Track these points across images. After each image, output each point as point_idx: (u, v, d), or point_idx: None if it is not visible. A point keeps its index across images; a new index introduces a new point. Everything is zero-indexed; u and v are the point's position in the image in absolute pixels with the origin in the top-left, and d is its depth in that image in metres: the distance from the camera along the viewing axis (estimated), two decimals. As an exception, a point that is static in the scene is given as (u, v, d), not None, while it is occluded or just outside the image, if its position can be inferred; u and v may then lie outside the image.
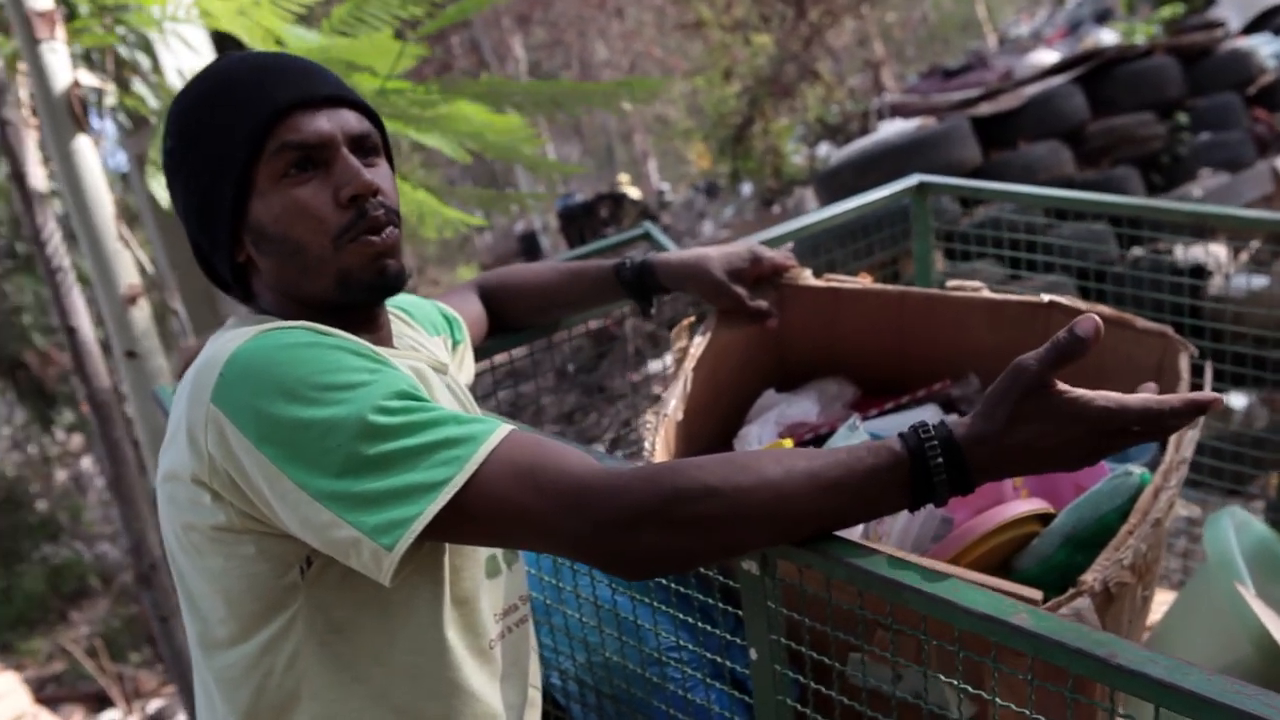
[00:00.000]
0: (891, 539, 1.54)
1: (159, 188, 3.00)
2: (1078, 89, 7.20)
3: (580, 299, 1.96)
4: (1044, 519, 1.57)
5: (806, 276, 1.94)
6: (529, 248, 19.19)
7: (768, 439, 1.85)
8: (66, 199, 3.13)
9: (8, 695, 5.78)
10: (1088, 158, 7.10)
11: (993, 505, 1.55)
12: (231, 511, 1.18)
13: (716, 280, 1.83)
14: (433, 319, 1.68)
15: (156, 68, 4.04)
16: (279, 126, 1.26)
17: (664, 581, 1.54)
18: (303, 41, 3.46)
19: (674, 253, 1.89)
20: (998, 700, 1.10)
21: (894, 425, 1.86)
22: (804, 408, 1.92)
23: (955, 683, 1.13)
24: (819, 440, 1.82)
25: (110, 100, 3.78)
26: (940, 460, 1.10)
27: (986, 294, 1.88)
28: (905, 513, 1.21)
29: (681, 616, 1.52)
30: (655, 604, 1.52)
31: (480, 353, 1.92)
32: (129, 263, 3.13)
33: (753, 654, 1.32)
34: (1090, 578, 1.31)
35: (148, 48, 3.99)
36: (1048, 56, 9.48)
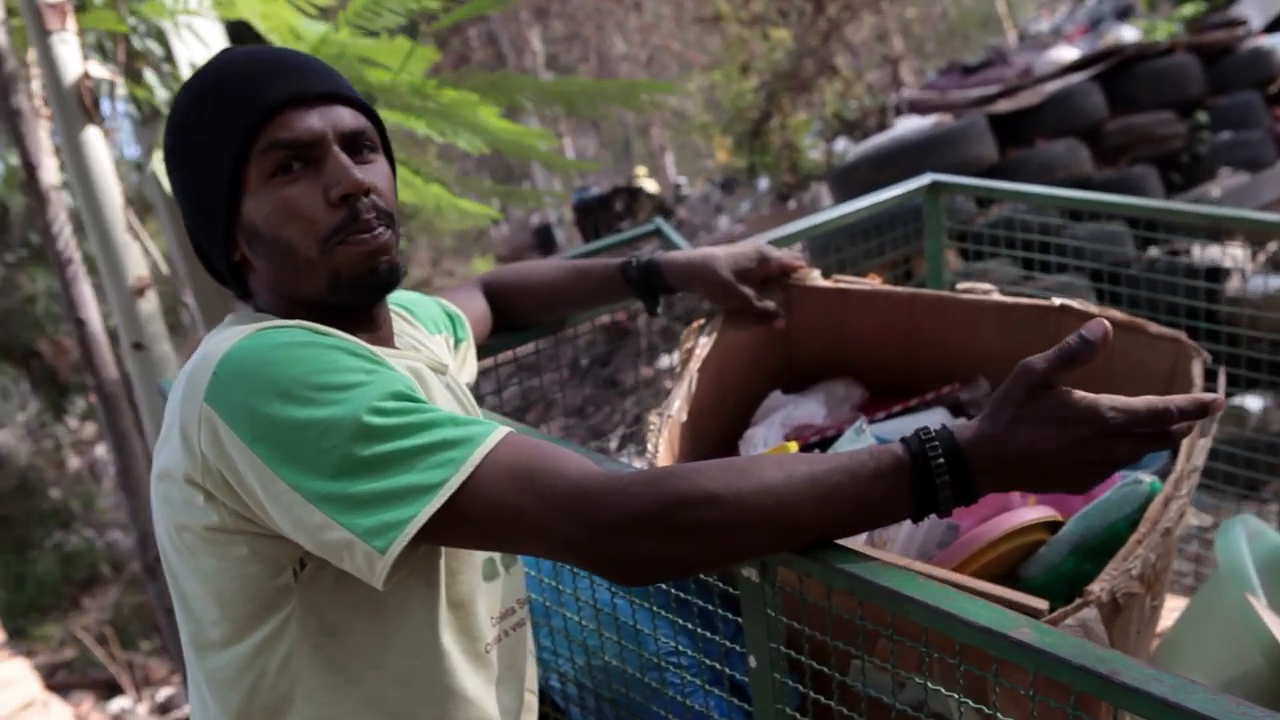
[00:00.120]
0: (896, 545, 1.52)
1: (167, 180, 2.99)
2: (1097, 87, 7.15)
3: (586, 298, 1.94)
4: (1052, 527, 1.55)
5: (815, 277, 1.92)
6: (544, 240, 19.21)
7: (773, 441, 1.83)
8: (76, 190, 3.12)
9: (18, 682, 5.80)
10: (1106, 156, 7.05)
11: (1000, 512, 1.53)
12: (224, 512, 1.17)
13: (723, 280, 1.81)
14: (435, 317, 1.67)
15: (169, 58, 4.04)
16: (269, 125, 1.24)
17: (664, 586, 1.52)
18: (318, 35, 3.46)
19: (681, 252, 1.87)
20: (999, 716, 1.08)
21: (901, 428, 1.84)
22: (811, 409, 1.90)
23: (956, 696, 1.11)
24: (825, 443, 1.80)
25: (121, 91, 3.77)
26: (942, 461, 1.08)
27: (997, 297, 1.86)
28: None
29: (681, 622, 1.50)
30: (655, 609, 1.50)
31: (485, 350, 1.90)
32: (137, 255, 3.13)
33: (752, 662, 1.30)
34: (1097, 588, 1.29)
35: (161, 37, 3.99)
36: (1068, 53, 9.42)
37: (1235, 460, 2.64)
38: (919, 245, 2.86)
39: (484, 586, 1.36)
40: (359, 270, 1.27)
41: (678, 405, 1.70)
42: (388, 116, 3.79)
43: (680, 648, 1.50)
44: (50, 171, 3.19)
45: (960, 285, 1.90)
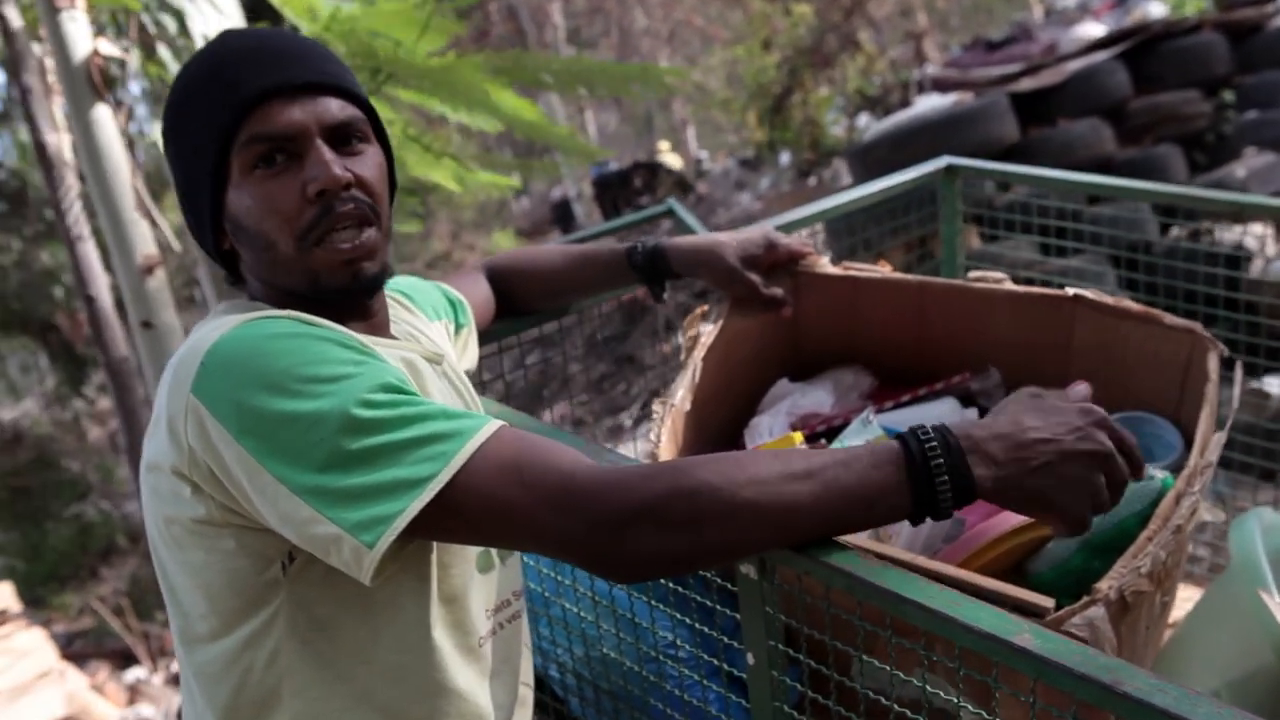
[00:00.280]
0: (901, 540, 1.50)
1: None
2: (1121, 65, 7.06)
3: (591, 283, 1.92)
4: (1060, 522, 1.52)
5: (823, 264, 1.89)
6: (562, 215, 19.18)
7: (779, 430, 1.81)
8: (85, 168, 3.10)
9: (35, 651, 5.85)
10: (1129, 136, 6.97)
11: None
12: (212, 505, 1.15)
13: (729, 267, 1.78)
14: (435, 303, 1.64)
15: (184, 32, 4.01)
16: (251, 117, 1.22)
17: (663, 580, 1.50)
18: (329, 11, 3.43)
19: (687, 238, 1.84)
20: (999, 721, 1.06)
21: (910, 418, 1.81)
22: (818, 398, 1.88)
23: (956, 700, 1.09)
24: (831, 432, 1.77)
25: (134, 68, 3.76)
26: (935, 445, 1.08)
27: (1009, 285, 1.82)
28: None
29: (679, 616, 1.48)
30: (653, 602, 1.48)
31: (489, 335, 1.88)
32: (146, 233, 3.12)
33: (750, 659, 1.28)
34: (1106, 586, 1.26)
35: (175, 11, 3.97)
36: (1094, 29, 9.30)
37: (1253, 449, 2.60)
38: (936, 227, 2.82)
39: (478, 579, 1.34)
40: (338, 277, 1.25)
41: (681, 394, 1.68)
42: (406, 98, 3.77)
43: (679, 641, 1.49)
44: (61, 148, 3.18)
45: (972, 274, 1.87)
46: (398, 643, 1.24)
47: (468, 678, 1.30)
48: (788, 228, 2.42)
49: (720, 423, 1.87)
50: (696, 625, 1.45)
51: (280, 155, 1.23)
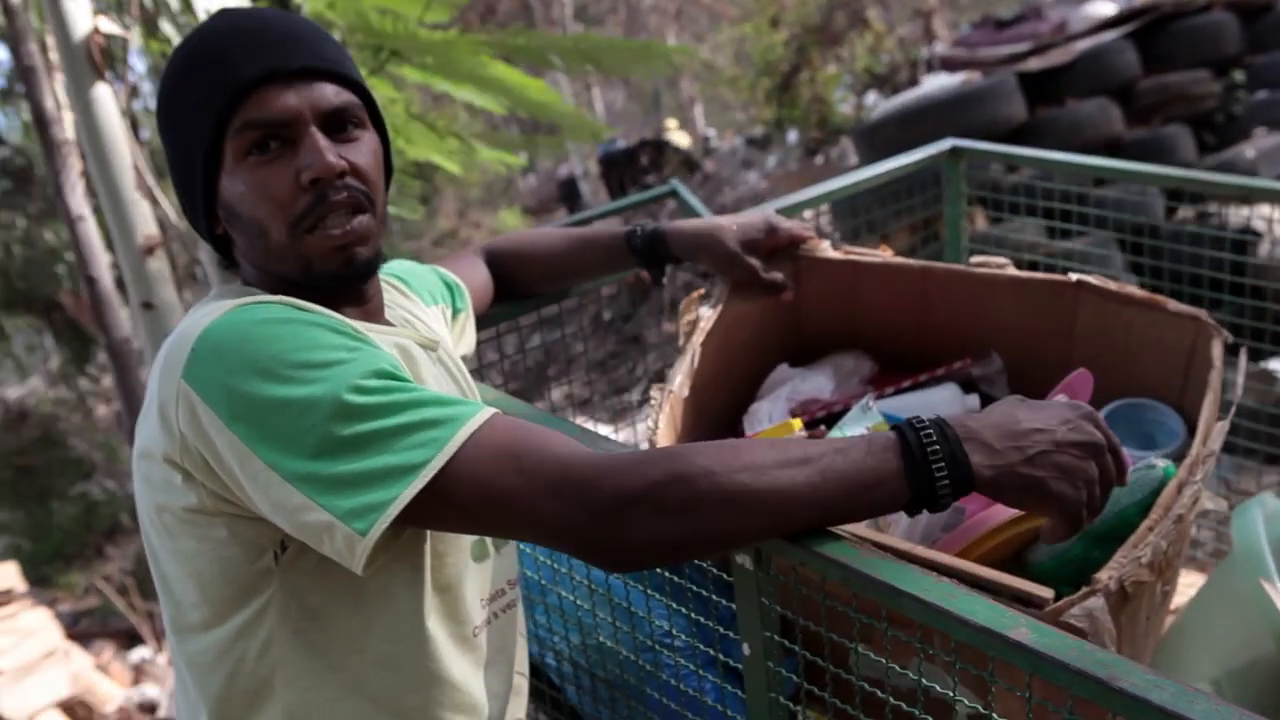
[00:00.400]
0: (900, 528, 1.48)
1: None
2: (1130, 44, 7.01)
3: (591, 267, 1.90)
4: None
5: (824, 248, 1.87)
6: (569, 193, 19.13)
7: (778, 416, 1.79)
8: (86, 147, 3.09)
9: (39, 631, 5.87)
10: (1138, 116, 6.93)
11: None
12: (203, 493, 1.14)
13: (729, 251, 1.77)
14: (431, 287, 1.63)
15: (187, 7, 3.99)
16: (244, 103, 1.20)
17: (659, 569, 1.49)
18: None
19: (687, 221, 1.82)
20: (995, 716, 1.05)
21: (910, 405, 1.80)
22: (818, 384, 1.86)
23: (951, 694, 1.08)
24: (831, 418, 1.76)
25: (136, 45, 3.73)
26: (931, 431, 1.08)
27: (1011, 271, 1.81)
28: None
29: (675, 605, 1.48)
30: (649, 591, 1.47)
31: (487, 319, 1.86)
32: (147, 213, 3.10)
33: (746, 649, 1.27)
34: (1105, 576, 1.25)
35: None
36: (1104, 7, 9.23)
37: (1258, 434, 2.58)
38: (942, 209, 2.80)
39: (473, 568, 1.33)
40: (331, 262, 1.24)
41: (680, 380, 1.66)
42: (410, 75, 3.75)
43: (675, 631, 1.48)
44: (61, 127, 3.16)
45: (974, 259, 1.85)
46: (391, 632, 1.23)
47: (462, 667, 1.29)
48: (791, 210, 2.40)
49: (720, 409, 1.86)
50: (693, 615, 1.44)
51: (274, 142, 1.21)
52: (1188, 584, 2.17)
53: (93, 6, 3.13)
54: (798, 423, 1.66)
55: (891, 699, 1.17)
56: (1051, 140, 6.46)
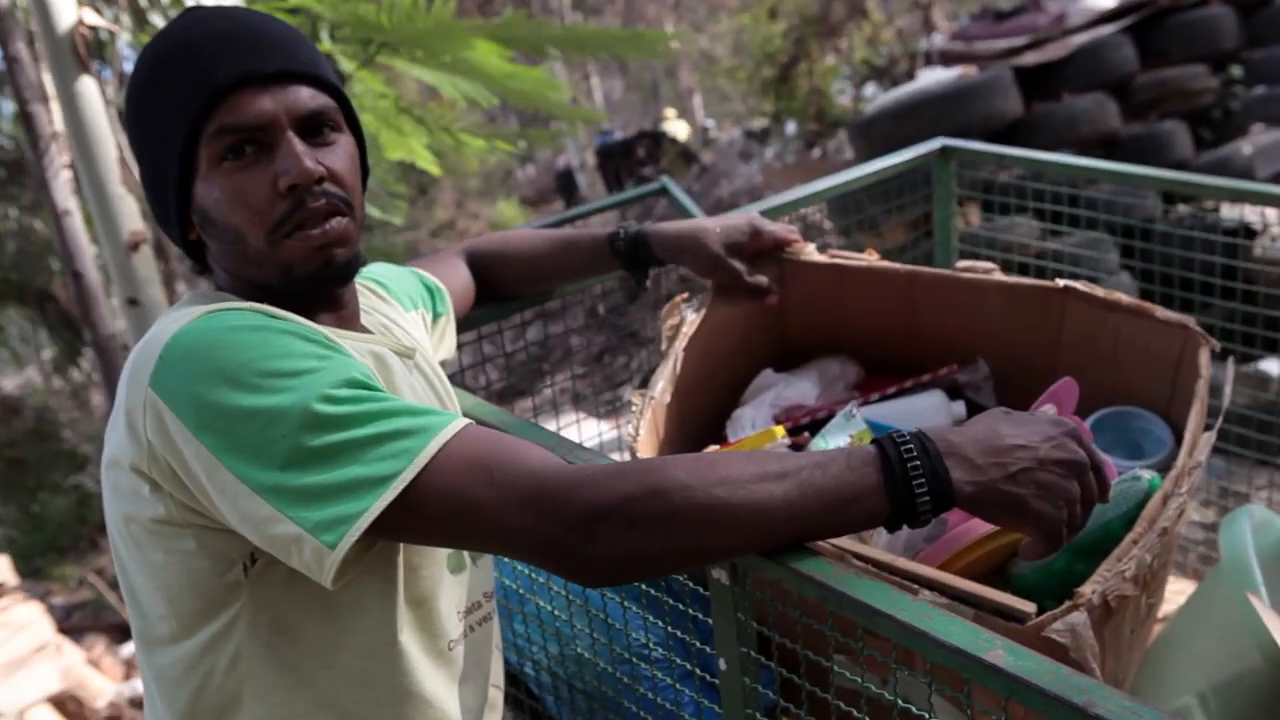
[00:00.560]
0: (882, 539, 1.47)
1: None
2: (1127, 39, 6.98)
3: (573, 270, 1.88)
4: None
5: (810, 251, 1.85)
6: (566, 184, 19.09)
7: (761, 422, 1.78)
8: (71, 142, 3.06)
9: (31, 625, 5.85)
10: (1135, 111, 6.90)
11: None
12: (171, 503, 1.12)
13: (713, 254, 1.75)
14: (411, 292, 1.61)
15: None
16: (219, 107, 1.18)
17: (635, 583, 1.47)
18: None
19: (671, 224, 1.80)
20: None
21: (894, 411, 1.78)
22: (802, 389, 1.84)
23: (928, 716, 1.06)
24: (815, 425, 1.74)
25: (125, 39, 3.71)
26: (911, 446, 1.06)
27: (998, 276, 1.79)
28: None
29: (651, 619, 1.46)
30: (626, 603, 1.45)
31: (468, 322, 1.84)
32: (133, 208, 3.07)
33: (722, 664, 1.25)
34: (1088, 590, 1.24)
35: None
36: (1103, 1, 9.21)
37: (1249, 435, 2.56)
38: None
39: (449, 580, 1.31)
40: (310, 265, 1.22)
41: (661, 386, 1.65)
42: (400, 67, 3.72)
43: (651, 644, 1.46)
44: (46, 121, 3.13)
45: (961, 264, 1.83)
46: (363, 647, 1.21)
47: (435, 682, 1.27)
48: (782, 209, 2.38)
49: (703, 415, 1.84)
50: (670, 629, 1.42)
51: (250, 146, 1.19)
52: (1176, 591, 2.15)
53: (78, -2, 3.11)
54: (780, 430, 1.65)
55: (868, 718, 1.15)
56: (1047, 135, 6.44)
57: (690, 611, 1.35)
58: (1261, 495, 2.76)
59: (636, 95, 30.38)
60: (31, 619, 5.92)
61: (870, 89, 13.03)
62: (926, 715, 1.06)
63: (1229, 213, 4.92)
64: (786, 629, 1.19)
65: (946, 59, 8.40)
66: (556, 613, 1.56)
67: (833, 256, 1.86)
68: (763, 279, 1.79)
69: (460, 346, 1.93)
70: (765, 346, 1.95)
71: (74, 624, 8.07)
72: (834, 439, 1.60)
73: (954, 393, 1.84)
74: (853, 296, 1.89)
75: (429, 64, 3.60)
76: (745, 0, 16.70)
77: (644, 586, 1.45)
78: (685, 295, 1.80)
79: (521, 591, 1.62)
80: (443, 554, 1.30)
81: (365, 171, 1.35)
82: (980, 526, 1.43)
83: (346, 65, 3.52)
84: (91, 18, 3.01)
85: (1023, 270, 2.72)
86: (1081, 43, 6.99)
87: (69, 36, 2.97)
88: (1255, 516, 1.76)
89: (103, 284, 3.49)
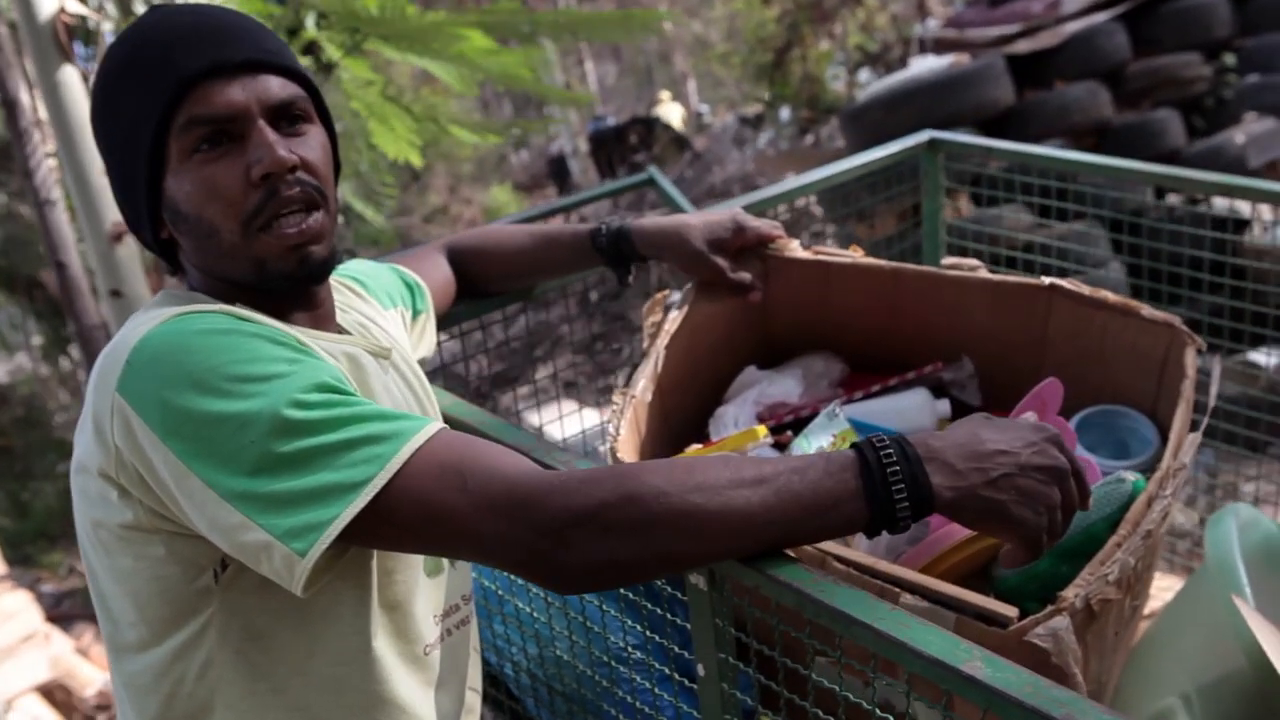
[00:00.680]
0: (863, 542, 1.45)
1: None
2: (1120, 27, 6.97)
3: (555, 266, 1.86)
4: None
5: (794, 248, 1.83)
6: (558, 170, 19.03)
7: (745, 420, 1.76)
8: (53, 131, 3.03)
9: (19, 614, 5.82)
10: (1127, 99, 6.89)
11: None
12: (140, 509, 1.11)
13: (695, 250, 1.73)
14: (390, 289, 1.59)
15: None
16: (188, 99, 1.15)
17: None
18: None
19: (653, 219, 1.79)
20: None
21: (878, 409, 1.77)
22: (786, 387, 1.83)
23: (906, 723, 1.05)
24: (799, 423, 1.73)
25: (109, 26, 3.68)
26: (891, 451, 1.05)
27: (983, 273, 1.77)
28: None
29: (630, 622, 1.45)
30: (604, 606, 1.44)
31: (447, 319, 1.83)
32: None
33: (700, 670, 1.24)
34: (1071, 594, 1.23)
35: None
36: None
37: (1236, 418, 2.54)
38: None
39: (426, 584, 1.30)
40: (285, 264, 1.20)
41: (643, 384, 1.63)
42: (388, 54, 3.70)
43: (630, 648, 1.45)
44: (29, 110, 3.11)
45: (946, 260, 1.81)
46: (335, 654, 1.20)
47: (410, 688, 1.26)
48: (771, 201, 2.37)
49: (686, 413, 1.82)
50: (648, 633, 1.41)
51: (221, 137, 1.17)
52: (1163, 587, 2.14)
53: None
54: (762, 430, 1.63)
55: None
56: (1040, 124, 6.42)
57: (669, 616, 1.34)
58: (1249, 489, 2.76)
59: (631, 80, 30.30)
60: (20, 607, 5.89)
61: (864, 75, 13.01)
62: (906, 722, 1.05)
63: (1220, 203, 4.91)
64: (765, 635, 1.18)
65: (939, 46, 8.37)
66: (535, 614, 1.55)
67: (817, 253, 1.84)
68: (746, 275, 1.78)
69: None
70: (749, 343, 1.94)
71: (63, 611, 8.03)
72: (817, 438, 1.59)
73: (939, 391, 1.83)
74: (837, 293, 1.87)
75: (415, 50, 3.58)
76: (739, -17, 16.66)
77: (622, 590, 1.44)
78: (667, 291, 1.78)
79: (500, 592, 1.61)
80: (418, 558, 1.28)
81: (338, 165, 1.33)
82: (963, 529, 1.42)
83: (333, 53, 3.50)
84: (74, 6, 2.98)
85: (1012, 261, 2.71)
86: (1074, 31, 6.97)
87: (50, 25, 2.95)
88: (1241, 515, 1.75)
89: (86, 275, 3.46)
